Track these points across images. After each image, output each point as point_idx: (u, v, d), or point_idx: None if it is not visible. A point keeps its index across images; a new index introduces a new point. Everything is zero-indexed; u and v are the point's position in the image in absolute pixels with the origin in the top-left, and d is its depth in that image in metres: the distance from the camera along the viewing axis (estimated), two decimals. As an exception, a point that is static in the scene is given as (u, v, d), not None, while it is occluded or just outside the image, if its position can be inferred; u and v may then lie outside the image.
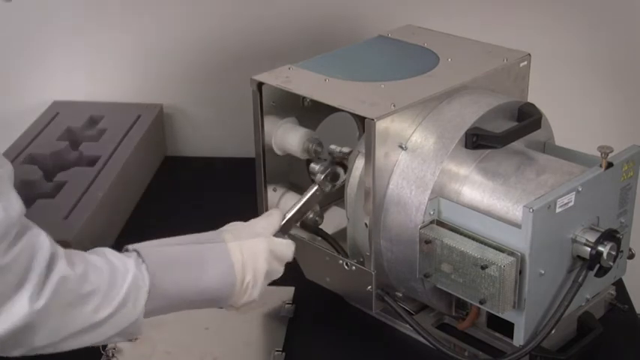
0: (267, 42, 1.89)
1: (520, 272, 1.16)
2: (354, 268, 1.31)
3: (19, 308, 0.92)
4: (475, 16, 1.85)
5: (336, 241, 1.36)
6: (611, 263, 1.20)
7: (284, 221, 1.26)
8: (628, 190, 1.27)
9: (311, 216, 1.40)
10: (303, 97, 1.39)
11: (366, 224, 1.27)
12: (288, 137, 1.38)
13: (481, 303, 1.19)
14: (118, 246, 1.60)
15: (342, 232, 1.36)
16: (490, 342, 1.32)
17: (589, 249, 1.20)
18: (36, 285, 0.92)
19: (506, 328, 1.23)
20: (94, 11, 1.91)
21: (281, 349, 1.33)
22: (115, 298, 1.00)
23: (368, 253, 1.29)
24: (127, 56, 1.95)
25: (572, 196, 1.18)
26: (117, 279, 1.01)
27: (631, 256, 1.33)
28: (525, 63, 1.42)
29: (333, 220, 1.45)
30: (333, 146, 1.42)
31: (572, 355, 1.27)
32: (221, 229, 1.19)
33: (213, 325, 1.39)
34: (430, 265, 1.23)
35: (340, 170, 1.34)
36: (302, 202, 1.30)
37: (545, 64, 1.59)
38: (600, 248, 1.19)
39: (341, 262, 1.32)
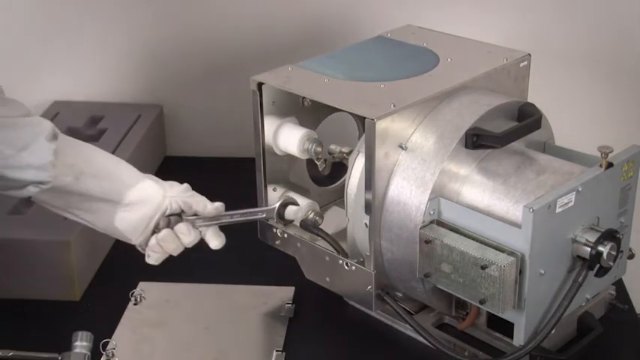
0: (267, 42, 1.89)
1: (520, 272, 1.16)
2: (354, 268, 1.31)
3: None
4: (475, 16, 1.85)
5: (336, 241, 1.36)
6: (611, 263, 1.20)
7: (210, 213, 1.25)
8: (628, 190, 1.27)
9: (311, 216, 1.40)
10: (303, 97, 1.39)
11: (366, 224, 1.27)
12: (288, 137, 1.38)
13: (481, 303, 1.19)
14: (118, 246, 1.62)
15: (342, 232, 1.36)
16: (490, 342, 1.32)
17: (589, 249, 1.20)
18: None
19: (506, 328, 1.23)
20: (94, 11, 1.91)
21: (281, 349, 1.33)
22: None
23: (368, 253, 1.29)
24: (127, 56, 1.95)
25: (572, 196, 1.18)
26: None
27: (631, 256, 1.33)
28: (525, 63, 1.42)
29: (333, 220, 1.45)
30: (333, 146, 1.43)
31: (572, 355, 1.27)
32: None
33: (213, 325, 1.39)
34: (430, 265, 1.23)
35: (290, 210, 1.29)
36: (236, 213, 1.26)
37: (545, 64, 1.59)
38: (600, 248, 1.19)
39: (341, 262, 1.32)
